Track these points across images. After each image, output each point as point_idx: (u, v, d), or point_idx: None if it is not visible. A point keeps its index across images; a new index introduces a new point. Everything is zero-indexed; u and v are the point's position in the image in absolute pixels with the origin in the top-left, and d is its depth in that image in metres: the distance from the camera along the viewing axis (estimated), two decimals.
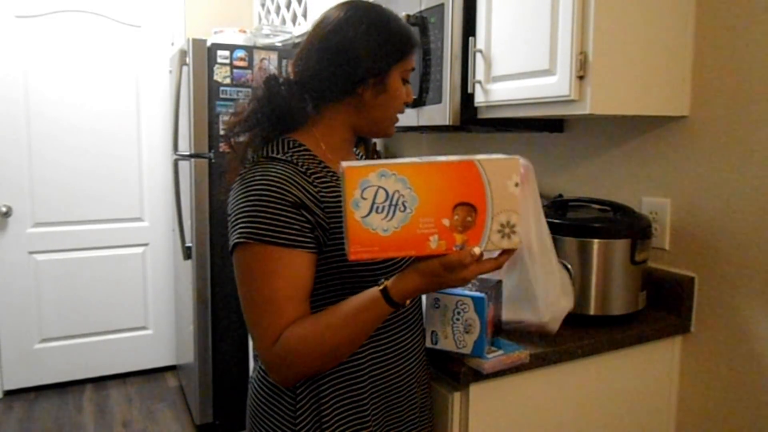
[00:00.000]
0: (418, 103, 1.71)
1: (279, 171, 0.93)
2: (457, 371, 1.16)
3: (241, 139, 1.02)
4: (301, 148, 1.00)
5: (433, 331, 1.16)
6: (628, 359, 1.38)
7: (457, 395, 1.21)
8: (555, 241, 1.39)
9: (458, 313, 1.13)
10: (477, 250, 0.85)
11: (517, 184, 0.85)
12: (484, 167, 0.84)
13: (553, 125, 1.76)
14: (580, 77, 1.26)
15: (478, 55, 1.54)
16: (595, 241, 1.36)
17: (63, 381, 3.27)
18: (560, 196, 1.72)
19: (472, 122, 1.60)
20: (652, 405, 1.46)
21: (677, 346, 1.47)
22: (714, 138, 1.38)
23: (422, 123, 1.71)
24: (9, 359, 3.16)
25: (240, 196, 0.93)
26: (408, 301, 0.91)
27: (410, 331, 1.11)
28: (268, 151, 0.99)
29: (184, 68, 2.64)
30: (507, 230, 0.87)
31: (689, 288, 1.44)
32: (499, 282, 1.22)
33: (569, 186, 1.78)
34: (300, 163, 0.96)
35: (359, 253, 0.84)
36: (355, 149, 1.21)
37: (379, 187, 0.82)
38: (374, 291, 0.90)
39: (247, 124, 1.02)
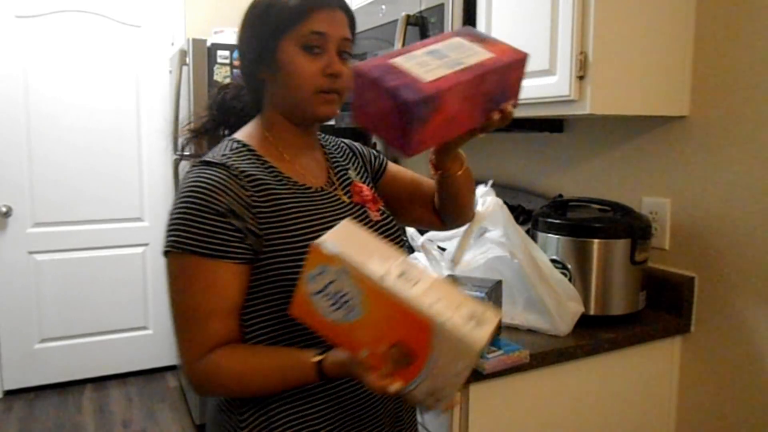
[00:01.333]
0: None
1: (208, 176, 0.88)
2: None
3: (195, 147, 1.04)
4: (244, 149, 0.94)
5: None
6: (628, 359, 1.38)
7: (456, 395, 1.21)
8: (555, 242, 1.40)
9: None
10: (395, 388, 0.74)
11: (464, 369, 0.72)
12: (440, 336, 0.70)
13: (553, 125, 1.76)
14: (580, 77, 1.26)
15: None
16: (595, 241, 1.36)
17: (63, 381, 3.27)
18: (560, 196, 1.72)
19: None
20: (652, 405, 1.46)
21: (677, 346, 1.47)
22: (714, 138, 1.38)
23: None
24: (9, 359, 3.16)
25: (174, 203, 0.90)
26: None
27: None
28: (209, 154, 0.94)
29: (184, 68, 2.64)
30: (434, 396, 0.75)
31: (689, 288, 1.44)
32: (499, 282, 1.23)
33: (569, 186, 1.78)
34: (235, 166, 0.90)
35: (297, 313, 0.81)
36: (330, 147, 1.12)
37: (334, 280, 0.75)
38: (308, 360, 0.83)
39: (194, 134, 1.03)
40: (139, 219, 3.37)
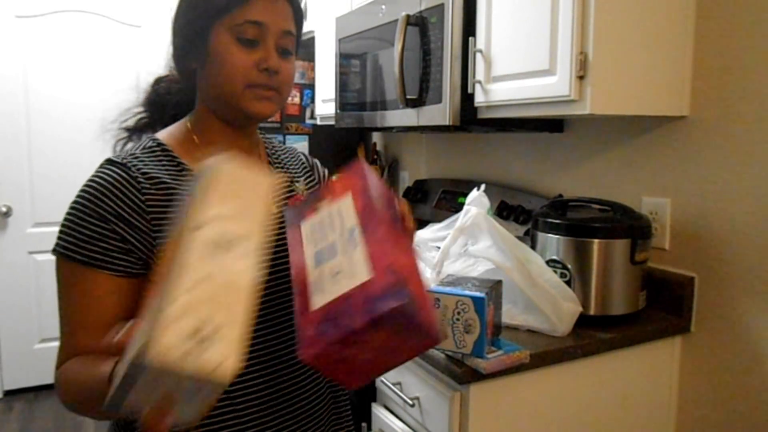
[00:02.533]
0: (418, 103, 1.71)
1: (102, 177, 0.80)
2: (457, 371, 1.16)
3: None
4: (158, 148, 0.86)
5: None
6: (628, 359, 1.38)
7: (457, 395, 1.21)
8: (555, 242, 1.40)
9: (458, 313, 1.13)
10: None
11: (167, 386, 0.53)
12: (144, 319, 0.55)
13: (553, 125, 1.76)
14: (580, 77, 1.26)
15: (478, 55, 1.54)
16: (595, 241, 1.36)
17: None
18: (560, 196, 1.72)
19: (472, 122, 1.60)
20: (652, 405, 1.46)
21: (677, 346, 1.47)
22: (714, 138, 1.38)
23: (422, 123, 1.71)
24: (9, 359, 3.16)
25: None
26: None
27: (282, 380, 0.87)
28: (120, 152, 0.89)
29: None
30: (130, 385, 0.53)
31: (689, 288, 1.44)
32: (499, 282, 1.23)
33: (569, 186, 1.78)
34: (137, 166, 0.82)
35: None
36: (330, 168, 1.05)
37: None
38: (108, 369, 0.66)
39: (130, 133, 0.96)
40: None
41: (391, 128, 1.96)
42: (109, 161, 0.83)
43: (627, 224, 1.38)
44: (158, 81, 0.98)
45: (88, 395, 0.71)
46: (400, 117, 1.82)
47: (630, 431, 1.42)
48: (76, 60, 3.15)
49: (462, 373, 1.16)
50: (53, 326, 3.19)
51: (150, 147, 0.86)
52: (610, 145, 1.65)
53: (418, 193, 2.39)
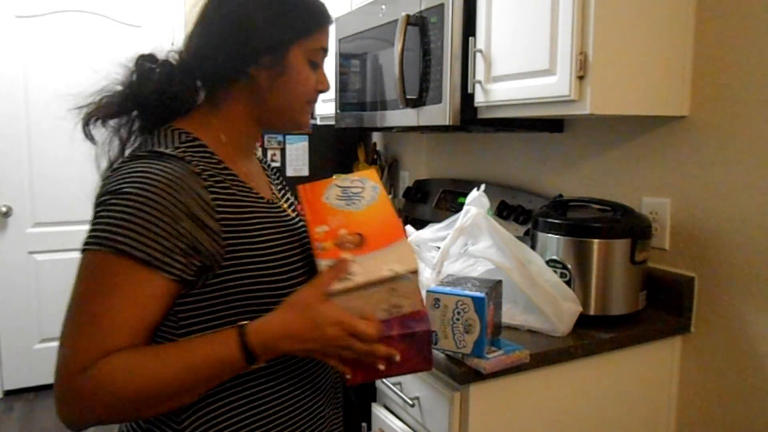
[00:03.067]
0: (418, 103, 1.71)
1: (165, 170, 0.74)
2: (457, 371, 1.16)
3: (103, 128, 0.89)
4: (195, 143, 0.81)
5: (433, 331, 1.16)
6: (628, 359, 1.38)
7: (457, 395, 1.21)
8: (555, 242, 1.40)
9: (458, 313, 1.13)
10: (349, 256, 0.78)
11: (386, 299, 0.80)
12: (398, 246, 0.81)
13: (553, 125, 1.76)
14: (580, 77, 1.26)
15: (478, 55, 1.54)
16: (595, 241, 1.36)
17: None
18: (560, 196, 1.72)
19: (472, 122, 1.60)
20: (652, 405, 1.46)
21: (677, 346, 1.47)
22: (714, 138, 1.38)
23: (422, 123, 1.71)
24: (9, 359, 3.16)
25: (107, 194, 0.75)
26: (261, 360, 0.75)
27: (317, 368, 0.92)
28: (153, 143, 0.81)
29: None
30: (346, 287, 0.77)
31: (689, 288, 1.44)
32: (499, 282, 1.23)
33: (569, 186, 1.78)
34: (194, 162, 0.78)
35: (303, 189, 0.92)
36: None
37: (361, 187, 0.90)
38: (228, 331, 0.74)
39: (107, 110, 0.87)
40: None
41: (391, 128, 1.96)
42: (158, 154, 0.77)
43: (627, 224, 1.38)
44: (146, 59, 0.87)
45: (168, 370, 0.72)
46: (400, 117, 1.82)
47: (630, 431, 1.42)
48: (76, 60, 3.14)
49: (462, 373, 1.16)
50: (53, 326, 3.20)
51: (189, 142, 0.81)
52: (610, 145, 1.65)
53: (418, 193, 2.39)
